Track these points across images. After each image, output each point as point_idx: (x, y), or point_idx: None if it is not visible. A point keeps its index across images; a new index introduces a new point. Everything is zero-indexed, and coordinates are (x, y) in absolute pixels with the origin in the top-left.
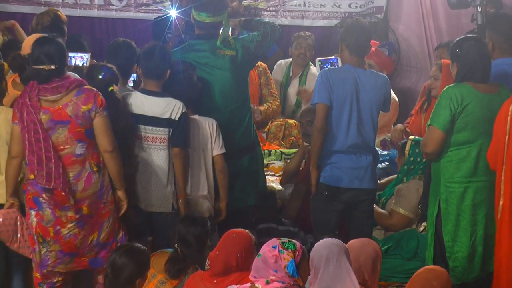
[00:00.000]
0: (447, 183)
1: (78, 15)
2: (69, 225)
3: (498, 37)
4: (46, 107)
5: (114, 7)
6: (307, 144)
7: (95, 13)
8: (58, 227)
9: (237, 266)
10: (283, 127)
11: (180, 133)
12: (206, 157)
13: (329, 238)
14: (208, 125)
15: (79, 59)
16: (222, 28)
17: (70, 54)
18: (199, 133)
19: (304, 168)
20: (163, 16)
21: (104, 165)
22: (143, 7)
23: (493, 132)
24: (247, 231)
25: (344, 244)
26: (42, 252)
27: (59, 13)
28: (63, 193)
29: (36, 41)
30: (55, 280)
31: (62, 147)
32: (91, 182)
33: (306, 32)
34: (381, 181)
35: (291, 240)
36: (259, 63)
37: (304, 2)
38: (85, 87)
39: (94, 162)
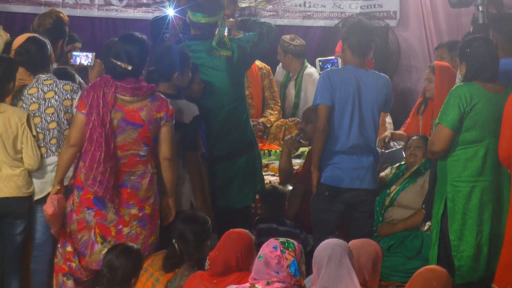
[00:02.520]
0: (454, 182)
1: (78, 15)
2: (132, 224)
3: (502, 38)
4: (120, 105)
5: (114, 7)
6: (288, 137)
7: (95, 13)
8: (121, 226)
9: (237, 266)
10: (283, 128)
11: (191, 137)
12: None
13: (333, 239)
14: None
15: (84, 58)
16: (217, 29)
17: (75, 53)
18: None
19: (303, 168)
20: (161, 15)
21: (159, 168)
22: (143, 7)
23: (501, 128)
24: (246, 231)
25: (348, 245)
26: (103, 252)
27: (61, 15)
28: (128, 190)
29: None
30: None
31: (127, 148)
32: (153, 182)
33: (290, 37)
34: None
35: (289, 239)
36: (263, 65)
37: (304, 2)
38: (157, 94)
39: (154, 164)
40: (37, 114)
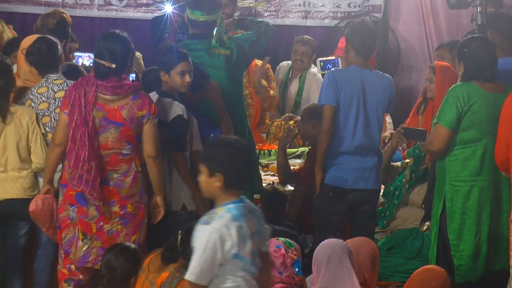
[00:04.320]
0: (452, 182)
1: (78, 15)
2: (113, 221)
3: (500, 37)
4: (102, 104)
5: (114, 7)
6: (282, 147)
7: (95, 13)
8: (101, 223)
9: None
10: (283, 128)
11: (173, 137)
12: None
13: (333, 239)
14: None
15: (86, 58)
16: (216, 28)
17: (77, 53)
18: None
19: (304, 169)
20: (161, 15)
21: (145, 167)
22: (143, 7)
23: (498, 131)
24: None
25: (348, 245)
26: (84, 249)
27: (64, 15)
28: (110, 188)
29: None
30: (82, 278)
31: (109, 146)
32: (137, 180)
33: (306, 37)
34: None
35: (287, 239)
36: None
37: (304, 2)
38: (141, 92)
39: (139, 163)
40: (46, 114)
